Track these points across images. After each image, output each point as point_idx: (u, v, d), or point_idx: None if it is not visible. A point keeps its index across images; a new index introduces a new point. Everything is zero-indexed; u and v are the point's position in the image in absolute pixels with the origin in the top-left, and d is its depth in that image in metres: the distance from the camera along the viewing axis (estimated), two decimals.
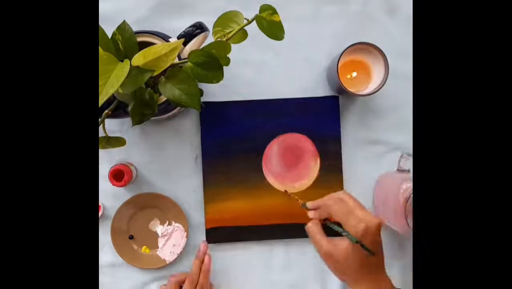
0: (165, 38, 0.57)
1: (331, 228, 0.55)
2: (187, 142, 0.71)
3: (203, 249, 0.68)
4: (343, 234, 0.52)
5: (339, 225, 0.54)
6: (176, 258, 0.69)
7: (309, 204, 0.60)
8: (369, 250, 0.50)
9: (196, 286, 0.65)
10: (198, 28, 0.57)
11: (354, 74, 0.68)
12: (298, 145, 0.70)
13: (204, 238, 0.70)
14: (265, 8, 0.52)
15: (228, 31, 0.53)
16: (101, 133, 0.56)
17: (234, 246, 0.71)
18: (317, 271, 0.71)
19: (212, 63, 0.52)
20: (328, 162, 0.70)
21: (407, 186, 0.60)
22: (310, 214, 0.58)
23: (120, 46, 0.51)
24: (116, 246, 0.69)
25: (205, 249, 0.68)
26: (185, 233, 0.69)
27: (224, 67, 0.53)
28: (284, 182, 0.70)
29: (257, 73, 0.71)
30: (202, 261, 0.67)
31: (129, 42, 0.51)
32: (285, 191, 0.69)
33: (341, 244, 0.52)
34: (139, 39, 0.56)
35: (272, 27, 0.53)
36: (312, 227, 0.56)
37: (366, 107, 0.71)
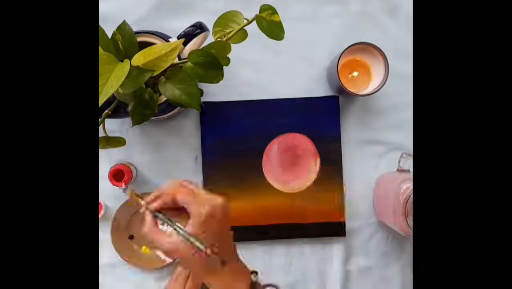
0: (165, 38, 0.57)
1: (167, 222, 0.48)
2: (187, 143, 0.71)
3: None
4: (180, 232, 0.46)
5: (170, 219, 0.48)
6: (176, 258, 0.69)
7: (148, 198, 0.50)
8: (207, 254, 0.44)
9: (190, 273, 0.61)
10: (198, 28, 0.57)
11: (355, 74, 0.68)
12: (298, 145, 0.70)
13: None
14: (265, 8, 0.52)
15: (228, 31, 0.53)
16: (101, 133, 0.56)
17: None
18: (317, 271, 0.71)
19: (212, 63, 0.52)
20: (328, 162, 0.70)
21: (407, 186, 0.60)
22: (151, 206, 0.49)
23: (120, 46, 0.51)
24: (116, 246, 0.69)
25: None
26: None
27: (224, 67, 0.53)
28: (284, 182, 0.70)
29: (257, 73, 0.71)
30: None
31: (129, 42, 0.51)
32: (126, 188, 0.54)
33: (170, 237, 0.46)
34: (139, 39, 0.56)
35: (272, 27, 0.53)
36: (147, 226, 0.48)
37: (366, 107, 0.71)
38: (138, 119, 0.54)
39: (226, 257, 0.46)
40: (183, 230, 0.46)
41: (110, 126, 0.67)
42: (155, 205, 0.48)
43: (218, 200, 0.47)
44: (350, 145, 0.71)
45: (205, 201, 0.47)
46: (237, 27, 0.53)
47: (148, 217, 0.48)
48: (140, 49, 0.49)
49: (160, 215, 0.48)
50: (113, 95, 0.51)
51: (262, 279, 0.51)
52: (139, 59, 0.48)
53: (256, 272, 0.50)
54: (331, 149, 0.70)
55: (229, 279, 0.48)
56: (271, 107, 0.70)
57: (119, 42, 0.51)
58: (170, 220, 0.47)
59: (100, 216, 0.69)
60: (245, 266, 0.51)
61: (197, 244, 0.44)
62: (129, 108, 0.53)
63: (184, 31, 0.57)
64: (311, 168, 0.70)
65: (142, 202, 0.49)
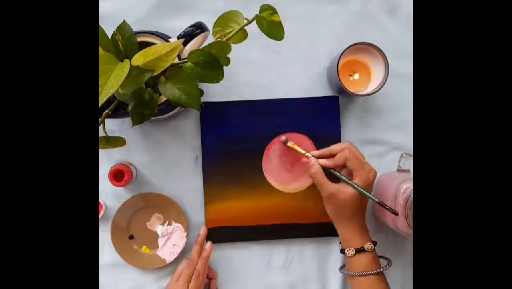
0: (165, 38, 0.57)
1: (337, 177, 0.62)
2: (187, 142, 0.71)
3: (202, 233, 0.68)
4: (356, 187, 0.60)
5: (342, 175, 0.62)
6: (176, 258, 0.69)
7: (315, 152, 0.65)
8: (393, 211, 0.58)
9: (193, 272, 0.65)
10: (198, 28, 0.57)
11: (356, 76, 0.68)
12: (298, 145, 0.70)
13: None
14: (265, 8, 0.52)
15: (228, 31, 0.53)
16: (101, 133, 0.56)
17: (234, 246, 0.71)
18: (317, 271, 0.71)
19: (212, 63, 0.52)
20: None
21: (407, 186, 0.60)
22: (322, 161, 0.63)
23: (120, 46, 0.51)
24: (116, 246, 0.69)
25: (205, 232, 0.69)
26: (185, 233, 0.69)
27: (224, 67, 0.53)
28: (284, 182, 0.70)
29: (257, 73, 0.71)
30: (201, 246, 0.67)
31: (129, 42, 0.51)
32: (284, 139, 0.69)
33: (346, 188, 0.61)
34: (139, 39, 0.56)
35: (272, 27, 0.53)
36: (318, 172, 0.62)
37: (366, 107, 0.71)
38: (138, 119, 0.54)
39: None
40: (358, 186, 0.60)
41: (110, 126, 0.67)
42: (326, 162, 0.63)
43: (374, 169, 0.62)
44: None
45: (370, 168, 0.61)
46: (237, 27, 0.53)
47: (318, 168, 0.63)
48: (140, 49, 0.49)
49: (333, 171, 0.63)
50: (113, 95, 0.51)
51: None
52: (139, 59, 0.48)
53: (375, 242, 0.63)
54: None
55: (357, 226, 0.64)
56: (271, 107, 0.70)
57: (119, 42, 0.51)
58: (342, 176, 0.62)
59: (100, 216, 0.69)
60: (367, 234, 0.64)
61: (372, 197, 0.61)
62: (129, 108, 0.53)
63: (184, 31, 0.57)
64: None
65: (312, 159, 0.64)
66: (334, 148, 0.63)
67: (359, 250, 0.61)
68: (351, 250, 0.62)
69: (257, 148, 0.70)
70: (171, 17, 0.70)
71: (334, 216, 0.64)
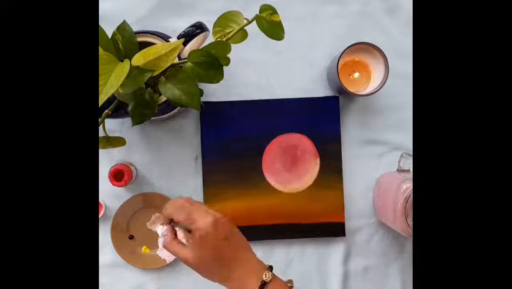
0: (165, 38, 0.57)
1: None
2: (187, 143, 0.71)
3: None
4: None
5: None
6: (176, 258, 0.69)
7: (149, 225, 0.59)
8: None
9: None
10: (198, 28, 0.57)
11: (356, 75, 0.68)
12: (298, 145, 0.70)
13: None
14: (265, 8, 0.52)
15: (228, 31, 0.53)
16: (101, 133, 0.56)
17: None
18: (317, 271, 0.71)
19: (212, 63, 0.52)
20: (328, 162, 0.70)
21: (407, 186, 0.60)
22: (159, 231, 0.55)
23: (120, 46, 0.51)
24: (116, 246, 0.69)
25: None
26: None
27: (224, 67, 0.53)
28: (284, 182, 0.70)
29: (257, 73, 0.71)
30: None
31: (129, 42, 0.51)
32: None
33: (184, 250, 0.50)
34: (139, 39, 0.56)
35: (272, 27, 0.53)
36: (169, 243, 0.52)
37: (366, 107, 0.71)
38: (138, 119, 0.54)
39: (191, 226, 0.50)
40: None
41: (110, 126, 0.67)
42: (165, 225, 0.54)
43: (216, 213, 0.51)
44: (350, 145, 0.71)
45: (207, 211, 0.51)
46: (237, 27, 0.53)
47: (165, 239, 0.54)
48: (140, 49, 0.49)
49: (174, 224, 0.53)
50: (113, 95, 0.51)
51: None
52: (139, 59, 0.48)
53: (271, 267, 0.53)
54: (331, 148, 0.70)
55: (241, 271, 0.51)
56: (271, 107, 0.70)
57: (119, 42, 0.51)
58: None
59: (100, 216, 0.69)
60: (260, 262, 0.53)
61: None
62: (129, 108, 0.53)
63: (184, 31, 0.57)
64: (311, 168, 0.70)
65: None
66: (163, 210, 0.54)
67: (262, 286, 0.51)
68: None
69: (257, 148, 0.70)
70: (171, 17, 0.70)
71: (218, 281, 0.52)
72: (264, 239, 0.71)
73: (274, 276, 0.52)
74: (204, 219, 0.50)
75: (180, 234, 0.53)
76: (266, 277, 0.51)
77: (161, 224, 0.54)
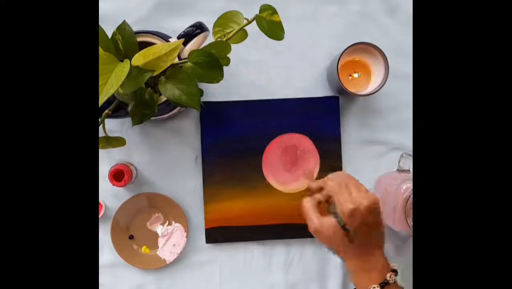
0: (165, 38, 0.57)
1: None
2: (187, 143, 0.71)
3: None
4: (333, 212, 0.54)
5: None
6: (176, 258, 0.69)
7: (312, 184, 0.59)
8: (349, 232, 0.52)
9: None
10: (198, 28, 0.57)
11: (356, 75, 0.68)
12: (298, 145, 0.70)
13: (204, 238, 0.70)
14: (265, 8, 0.52)
15: (228, 31, 0.53)
16: (101, 133, 0.56)
17: (234, 246, 0.71)
18: (317, 271, 0.71)
19: (212, 63, 0.52)
20: (328, 162, 0.70)
21: (407, 186, 0.60)
22: (316, 196, 0.57)
23: (120, 46, 0.51)
24: (116, 246, 0.69)
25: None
26: (185, 233, 0.69)
27: (224, 67, 0.53)
28: (284, 182, 0.70)
29: (257, 73, 0.71)
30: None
31: (129, 42, 0.51)
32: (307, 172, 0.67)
33: (327, 222, 0.53)
34: (139, 39, 0.56)
35: (272, 27, 0.53)
36: (306, 204, 0.56)
37: (366, 107, 0.71)
38: (138, 119, 0.54)
39: (354, 237, 0.52)
40: (339, 218, 0.53)
41: (110, 126, 0.67)
42: (319, 197, 0.56)
43: (364, 201, 0.51)
44: (350, 145, 0.71)
45: (352, 199, 0.52)
46: (237, 27, 0.53)
47: (306, 202, 0.56)
48: (140, 49, 0.49)
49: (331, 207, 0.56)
50: (113, 95, 0.51)
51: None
52: (139, 59, 0.48)
53: (395, 271, 0.54)
54: (331, 148, 0.70)
55: (370, 260, 0.53)
56: (271, 107, 0.70)
57: (119, 42, 0.51)
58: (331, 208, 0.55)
59: (100, 216, 0.69)
60: (385, 261, 0.55)
61: (342, 224, 0.52)
62: (129, 108, 0.53)
63: (184, 31, 0.57)
64: (311, 168, 0.70)
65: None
66: (326, 178, 0.57)
67: (383, 285, 0.53)
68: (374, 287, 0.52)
69: (257, 148, 0.70)
70: (171, 17, 0.70)
71: (335, 252, 0.56)
72: (264, 239, 0.71)
73: (395, 281, 0.54)
74: (358, 204, 0.51)
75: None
76: (390, 278, 0.53)
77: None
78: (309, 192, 0.59)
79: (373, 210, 0.52)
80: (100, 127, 0.54)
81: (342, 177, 0.55)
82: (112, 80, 0.45)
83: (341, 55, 0.63)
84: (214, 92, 0.71)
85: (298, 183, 0.70)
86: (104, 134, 0.56)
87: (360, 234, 0.52)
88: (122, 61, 0.48)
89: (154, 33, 0.57)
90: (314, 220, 0.54)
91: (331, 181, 0.55)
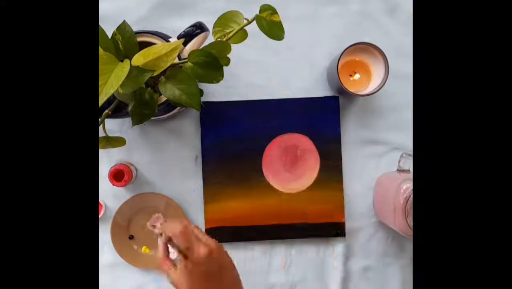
0: (165, 38, 0.57)
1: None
2: (187, 143, 0.71)
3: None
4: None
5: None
6: (176, 258, 0.69)
7: (155, 229, 0.54)
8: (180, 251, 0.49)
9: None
10: (198, 28, 0.57)
11: (357, 76, 0.68)
12: (298, 145, 0.70)
13: None
14: (265, 8, 0.52)
15: (228, 31, 0.53)
16: (101, 133, 0.56)
17: (234, 246, 0.71)
18: (317, 271, 0.71)
19: (212, 63, 0.52)
20: (328, 162, 0.70)
21: (407, 186, 0.60)
22: (159, 243, 0.53)
23: (120, 46, 0.51)
24: (116, 246, 0.69)
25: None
26: None
27: (224, 67, 0.53)
28: (284, 182, 0.70)
29: (257, 73, 0.71)
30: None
31: (129, 42, 0.51)
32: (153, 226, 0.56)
33: (176, 273, 0.50)
34: (139, 39, 0.56)
35: (272, 27, 0.53)
36: (159, 262, 0.52)
37: (366, 107, 0.71)
38: (138, 119, 0.54)
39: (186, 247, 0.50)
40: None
41: (110, 126, 0.67)
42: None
43: (214, 243, 0.51)
44: (350, 144, 0.71)
45: (205, 243, 0.51)
46: (237, 27, 0.53)
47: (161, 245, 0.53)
48: (140, 49, 0.49)
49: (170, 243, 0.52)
50: (113, 95, 0.51)
51: None
52: (139, 59, 0.48)
53: None
54: (331, 149, 0.70)
55: None
56: (271, 107, 0.70)
57: (119, 42, 0.51)
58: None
59: (100, 216, 0.69)
60: None
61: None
62: (129, 108, 0.53)
63: (184, 31, 0.57)
64: (311, 168, 0.70)
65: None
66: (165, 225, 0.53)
67: None
68: None
69: (257, 148, 0.70)
70: (171, 17, 0.70)
71: None
72: (264, 239, 0.71)
73: None
74: (201, 250, 0.49)
75: (174, 254, 0.53)
76: None
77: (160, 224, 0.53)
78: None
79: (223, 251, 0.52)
80: (100, 127, 0.54)
81: (180, 226, 0.51)
82: (112, 80, 0.45)
83: (341, 55, 0.63)
84: (214, 92, 0.71)
85: (298, 183, 0.70)
86: (104, 134, 0.56)
87: (203, 267, 0.49)
88: (122, 61, 0.48)
89: (154, 33, 0.57)
90: (171, 275, 0.51)
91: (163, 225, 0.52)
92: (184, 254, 0.49)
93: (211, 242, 0.52)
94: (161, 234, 0.52)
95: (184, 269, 0.49)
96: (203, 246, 0.50)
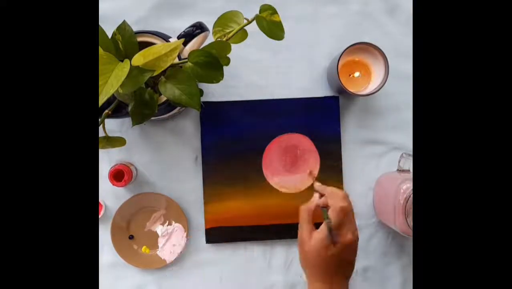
0: (165, 38, 0.57)
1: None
2: (187, 142, 0.71)
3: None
4: (325, 220, 0.54)
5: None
6: (176, 258, 0.69)
7: (318, 186, 0.61)
8: (333, 237, 0.53)
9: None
10: (198, 28, 0.57)
11: (357, 75, 0.68)
12: (298, 145, 0.70)
13: (204, 238, 0.70)
14: (265, 8, 0.52)
15: (228, 31, 0.53)
16: (101, 133, 0.56)
17: (234, 246, 0.71)
18: None
19: (212, 63, 0.52)
20: (328, 162, 0.70)
21: (407, 186, 0.60)
22: (316, 197, 0.59)
23: (120, 46, 0.51)
24: (116, 246, 0.69)
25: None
26: (185, 233, 0.69)
27: (224, 67, 0.53)
28: (284, 182, 0.70)
29: (257, 73, 0.71)
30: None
31: (129, 42, 0.51)
32: (310, 172, 0.69)
33: (315, 238, 0.54)
34: (139, 39, 0.56)
35: (272, 27, 0.53)
36: (303, 211, 0.57)
37: (366, 107, 0.71)
38: (138, 119, 0.54)
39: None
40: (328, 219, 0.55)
41: (110, 126, 0.67)
42: (320, 202, 0.58)
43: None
44: (350, 145, 0.71)
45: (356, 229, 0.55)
46: (237, 27, 0.53)
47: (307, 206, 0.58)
48: (140, 49, 0.49)
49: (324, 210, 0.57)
50: (113, 95, 0.51)
51: None
52: (139, 59, 0.48)
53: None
54: (331, 149, 0.70)
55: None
56: (271, 107, 0.70)
57: (119, 42, 0.51)
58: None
59: (100, 216, 0.69)
60: None
61: (326, 218, 0.54)
62: (129, 108, 0.53)
63: (184, 31, 0.57)
64: (311, 168, 0.70)
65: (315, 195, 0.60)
66: (329, 190, 0.59)
67: None
68: None
69: (257, 148, 0.70)
70: (171, 17, 0.70)
71: (302, 266, 0.57)
72: (264, 239, 0.71)
73: None
74: (348, 236, 0.53)
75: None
76: None
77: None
78: (314, 191, 0.61)
79: (354, 243, 0.54)
80: (100, 127, 0.54)
81: (344, 204, 0.56)
82: (112, 80, 0.45)
83: (341, 55, 0.63)
84: (214, 92, 0.71)
85: (298, 183, 0.70)
86: (104, 134, 0.56)
87: (340, 252, 0.53)
88: (122, 61, 0.48)
89: (154, 33, 0.57)
90: (304, 230, 0.56)
91: (332, 190, 0.58)
92: (331, 229, 0.52)
93: (357, 233, 0.55)
94: (320, 194, 0.58)
95: (321, 241, 0.53)
96: (351, 233, 0.53)
